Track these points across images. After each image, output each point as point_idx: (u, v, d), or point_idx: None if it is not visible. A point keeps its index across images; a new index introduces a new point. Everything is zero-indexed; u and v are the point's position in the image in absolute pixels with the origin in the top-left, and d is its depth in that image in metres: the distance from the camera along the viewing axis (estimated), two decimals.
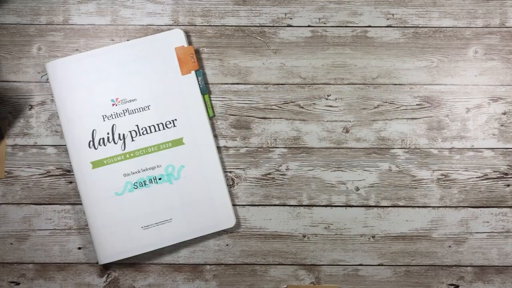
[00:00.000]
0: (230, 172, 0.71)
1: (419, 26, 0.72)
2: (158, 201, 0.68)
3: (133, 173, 0.68)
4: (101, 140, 0.68)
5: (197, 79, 0.69)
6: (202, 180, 0.69)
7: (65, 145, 0.70)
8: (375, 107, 0.71)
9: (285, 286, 0.70)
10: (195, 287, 0.70)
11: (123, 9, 0.72)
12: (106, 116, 0.69)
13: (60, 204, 0.71)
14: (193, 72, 0.70)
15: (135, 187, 0.68)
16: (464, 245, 0.71)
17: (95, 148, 0.68)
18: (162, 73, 0.69)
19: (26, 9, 0.72)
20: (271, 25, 0.72)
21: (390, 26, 0.72)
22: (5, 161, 0.71)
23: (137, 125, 0.69)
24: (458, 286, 0.70)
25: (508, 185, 0.71)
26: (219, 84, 0.72)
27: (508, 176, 0.71)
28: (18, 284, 0.70)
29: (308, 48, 0.72)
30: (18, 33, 0.72)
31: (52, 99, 0.71)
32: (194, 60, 0.69)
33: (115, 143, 0.68)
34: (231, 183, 0.71)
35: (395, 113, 0.71)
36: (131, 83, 0.69)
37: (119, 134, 0.68)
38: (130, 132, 0.69)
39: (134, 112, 0.69)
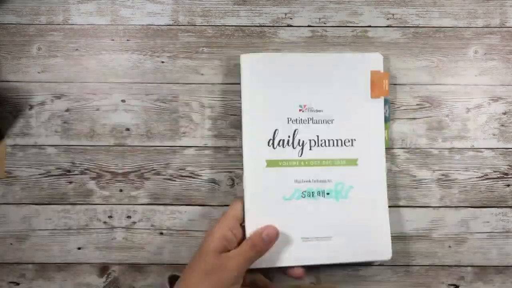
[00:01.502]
0: (230, 172, 0.71)
1: (419, 26, 0.72)
2: (321, 216, 0.67)
3: (304, 181, 0.67)
4: (281, 142, 0.67)
5: (384, 106, 0.69)
6: (368, 205, 0.67)
7: (65, 145, 0.70)
8: None
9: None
10: None
11: (123, 9, 0.72)
12: (291, 119, 0.68)
13: (60, 204, 0.71)
14: (382, 98, 0.69)
15: (303, 196, 0.67)
16: (464, 245, 0.71)
17: (273, 148, 0.67)
18: (352, 91, 0.68)
19: (26, 9, 0.72)
20: (271, 25, 0.72)
21: (390, 26, 0.72)
22: (5, 161, 0.71)
23: (317, 135, 0.68)
24: (458, 286, 0.70)
25: (508, 185, 0.71)
26: (219, 83, 0.72)
27: (508, 176, 0.71)
28: (17, 284, 0.70)
29: (308, 48, 0.72)
30: (18, 33, 0.72)
31: (52, 99, 0.71)
32: (386, 87, 0.69)
33: (293, 147, 0.67)
34: (231, 183, 0.71)
35: (395, 113, 0.71)
36: (321, 94, 0.68)
37: (299, 140, 0.67)
38: (310, 140, 0.67)
39: (318, 122, 0.68)
